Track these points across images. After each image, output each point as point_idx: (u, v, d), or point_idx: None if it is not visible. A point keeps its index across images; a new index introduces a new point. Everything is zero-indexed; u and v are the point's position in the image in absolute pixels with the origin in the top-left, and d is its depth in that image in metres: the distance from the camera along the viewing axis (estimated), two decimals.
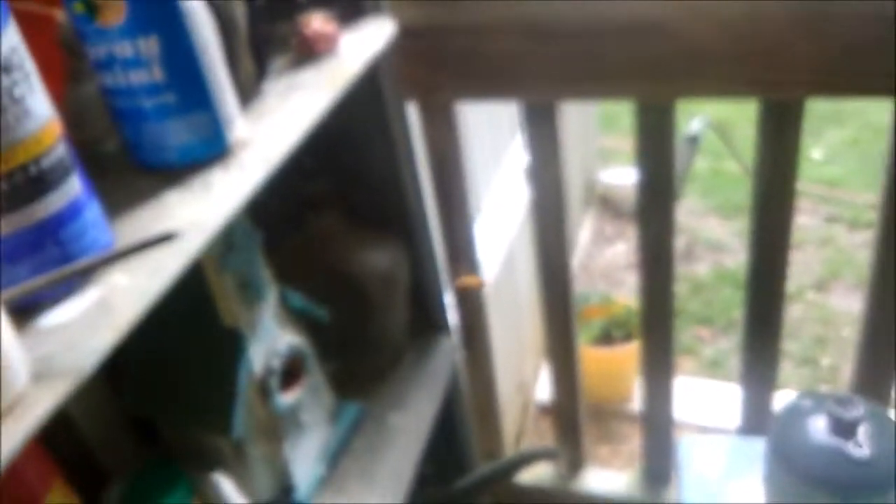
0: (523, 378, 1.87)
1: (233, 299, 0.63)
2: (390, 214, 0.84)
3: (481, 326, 1.10)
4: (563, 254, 1.03)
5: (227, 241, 0.62)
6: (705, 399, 1.84)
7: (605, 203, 2.54)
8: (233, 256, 0.63)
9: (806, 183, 2.52)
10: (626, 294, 2.04)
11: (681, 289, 2.28)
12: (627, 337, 1.94)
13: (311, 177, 0.81)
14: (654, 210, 0.96)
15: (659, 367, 1.08)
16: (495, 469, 0.89)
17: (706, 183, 2.68)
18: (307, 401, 0.73)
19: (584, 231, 2.39)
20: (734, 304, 2.20)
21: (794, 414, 0.71)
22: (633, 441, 1.80)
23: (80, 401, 0.66)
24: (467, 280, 0.79)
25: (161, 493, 0.62)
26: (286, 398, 0.70)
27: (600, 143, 2.66)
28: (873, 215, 2.71)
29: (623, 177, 2.48)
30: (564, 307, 1.07)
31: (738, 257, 2.35)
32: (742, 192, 2.62)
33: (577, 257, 2.26)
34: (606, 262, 2.37)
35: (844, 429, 0.66)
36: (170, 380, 0.67)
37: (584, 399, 1.16)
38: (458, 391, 0.92)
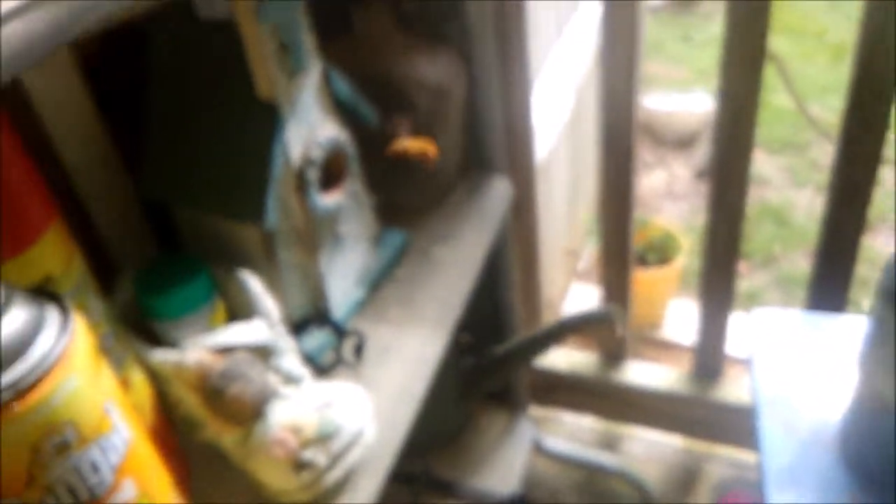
0: (551, 294, 1.79)
1: (270, 63, 0.54)
2: (448, 28, 0.73)
3: (530, 202, 1.01)
4: (628, 165, 0.95)
5: None
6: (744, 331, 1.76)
7: (646, 130, 2.42)
8: (272, 6, 0.53)
9: None
10: (664, 221, 1.95)
11: None
12: (663, 261, 1.85)
13: None
14: (733, 140, 0.88)
15: (717, 300, 1.02)
16: (545, 332, 0.80)
17: None
18: (348, 210, 0.64)
19: None
20: (774, 240, 2.10)
21: None
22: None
23: (92, 184, 0.57)
24: (413, 145, 0.68)
25: (180, 281, 0.53)
26: (325, 200, 0.60)
27: (644, 68, 2.52)
28: None
29: (666, 103, 2.36)
30: (624, 225, 1.00)
31: (781, 193, 2.23)
32: (791, 128, 2.49)
33: None
34: (644, 189, 2.26)
35: None
36: (194, 160, 0.58)
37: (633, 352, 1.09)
38: (506, 239, 0.82)
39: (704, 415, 1.04)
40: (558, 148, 1.56)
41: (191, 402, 0.51)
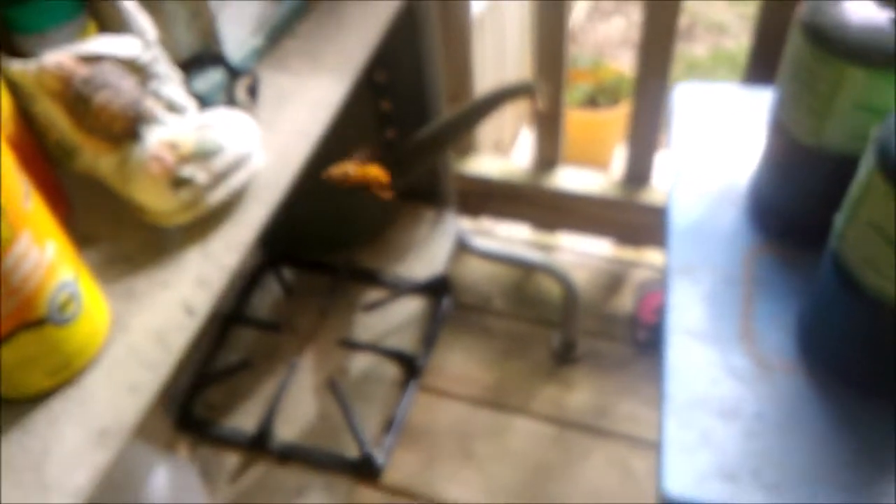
0: (501, 137, 1.76)
1: None
2: None
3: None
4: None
5: None
6: None
7: None
8: None
9: None
10: (617, 65, 1.90)
11: (676, 68, 2.14)
12: (614, 103, 1.83)
13: None
14: None
15: (645, 137, 1.01)
16: (466, 110, 0.78)
17: None
18: None
19: (580, 4, 2.20)
20: None
21: None
22: None
23: None
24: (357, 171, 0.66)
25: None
26: None
27: None
28: None
29: None
30: (557, 61, 0.96)
31: (739, 40, 2.19)
32: None
33: (571, 31, 2.08)
34: (601, 37, 2.20)
35: None
36: None
37: (565, 159, 1.07)
38: (425, 17, 0.78)
39: (633, 218, 1.05)
40: None
41: (58, 119, 0.48)
